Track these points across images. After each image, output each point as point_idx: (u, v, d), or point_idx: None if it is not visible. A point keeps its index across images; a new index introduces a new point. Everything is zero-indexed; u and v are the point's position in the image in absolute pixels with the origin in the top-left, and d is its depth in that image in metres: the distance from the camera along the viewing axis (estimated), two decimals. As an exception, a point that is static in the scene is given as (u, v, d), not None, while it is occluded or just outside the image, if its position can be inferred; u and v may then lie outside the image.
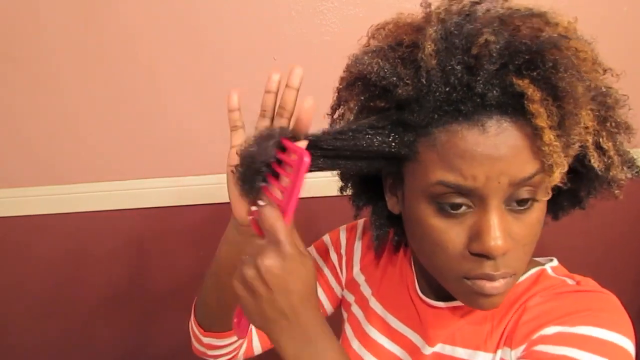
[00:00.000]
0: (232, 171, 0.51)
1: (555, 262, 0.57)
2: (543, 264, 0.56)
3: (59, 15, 1.02)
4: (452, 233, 0.46)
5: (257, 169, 0.47)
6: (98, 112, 1.09)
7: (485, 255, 0.45)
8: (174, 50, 1.05)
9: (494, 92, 0.41)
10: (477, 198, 0.45)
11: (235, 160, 0.49)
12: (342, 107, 0.55)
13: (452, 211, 0.46)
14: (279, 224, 0.45)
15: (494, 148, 0.42)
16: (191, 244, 1.20)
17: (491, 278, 0.46)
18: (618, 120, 0.46)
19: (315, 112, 0.57)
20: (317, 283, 0.72)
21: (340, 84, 0.54)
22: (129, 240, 1.19)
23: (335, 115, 0.57)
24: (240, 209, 0.55)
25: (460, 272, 0.47)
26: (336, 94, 0.56)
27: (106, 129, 1.10)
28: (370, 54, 0.48)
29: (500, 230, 0.44)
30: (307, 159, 0.44)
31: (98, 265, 1.21)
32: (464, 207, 0.46)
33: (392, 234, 0.63)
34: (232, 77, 1.06)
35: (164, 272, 1.23)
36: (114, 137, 1.10)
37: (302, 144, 0.47)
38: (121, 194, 1.13)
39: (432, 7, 0.48)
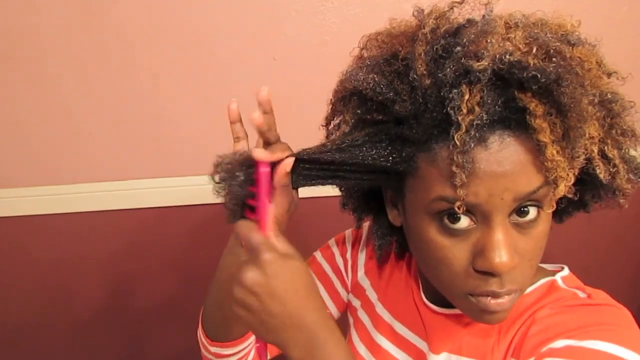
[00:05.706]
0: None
1: (566, 272, 0.55)
2: (553, 274, 0.54)
3: (58, 15, 1.02)
4: (455, 250, 0.45)
5: (232, 208, 0.50)
6: (98, 112, 1.09)
7: (490, 273, 0.44)
8: (173, 50, 1.05)
9: (496, 107, 0.40)
10: (480, 214, 0.44)
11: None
12: (337, 118, 0.54)
13: (455, 227, 0.44)
14: (253, 234, 0.47)
15: (496, 164, 0.41)
16: (191, 244, 1.20)
17: (496, 295, 0.45)
18: (624, 127, 0.45)
19: (315, 117, 0.58)
20: (323, 288, 0.72)
21: (334, 97, 0.54)
22: (128, 241, 1.19)
23: (331, 127, 0.56)
24: None
25: (464, 289, 0.46)
26: (331, 106, 0.55)
27: (106, 129, 1.10)
28: (365, 69, 0.47)
29: (506, 246, 0.43)
30: (265, 169, 0.47)
31: (98, 266, 1.21)
32: (466, 224, 0.44)
33: (395, 242, 0.62)
34: (232, 76, 1.06)
35: (164, 272, 1.23)
36: (113, 137, 1.10)
37: (289, 161, 0.47)
38: (121, 194, 1.13)
39: (424, 14, 0.47)
